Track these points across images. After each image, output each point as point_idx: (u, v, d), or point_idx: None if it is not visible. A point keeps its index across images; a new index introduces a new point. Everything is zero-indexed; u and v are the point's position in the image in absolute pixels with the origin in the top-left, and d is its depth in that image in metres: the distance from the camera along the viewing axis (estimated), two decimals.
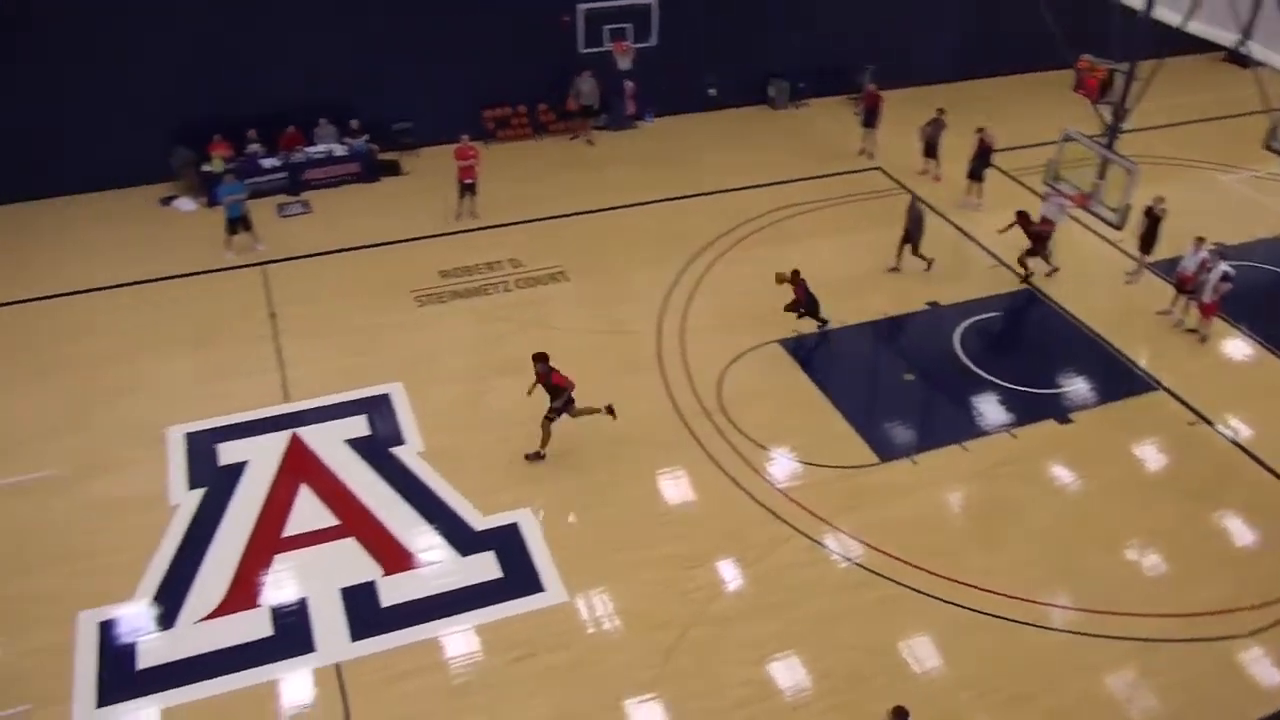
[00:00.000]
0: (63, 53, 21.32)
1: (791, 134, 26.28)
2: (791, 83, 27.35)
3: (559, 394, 15.12)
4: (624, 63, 24.79)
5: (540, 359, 15.02)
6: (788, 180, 23.71)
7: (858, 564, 13.90)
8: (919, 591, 13.50)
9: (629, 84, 25.77)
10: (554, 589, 13.49)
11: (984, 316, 19.12)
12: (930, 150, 23.53)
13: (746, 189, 23.33)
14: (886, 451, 15.88)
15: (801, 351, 18.01)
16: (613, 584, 13.56)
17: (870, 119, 24.63)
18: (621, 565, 13.84)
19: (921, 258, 20.07)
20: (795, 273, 17.78)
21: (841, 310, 18.80)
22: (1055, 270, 20.13)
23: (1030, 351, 18.81)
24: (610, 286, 19.85)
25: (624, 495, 15.00)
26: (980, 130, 22.16)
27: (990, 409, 16.88)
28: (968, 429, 16.42)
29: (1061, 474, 15.61)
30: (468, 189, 21.74)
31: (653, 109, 26.64)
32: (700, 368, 17.48)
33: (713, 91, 26.86)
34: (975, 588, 13.54)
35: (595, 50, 24.36)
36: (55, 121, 21.70)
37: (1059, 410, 16.87)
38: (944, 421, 16.69)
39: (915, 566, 13.81)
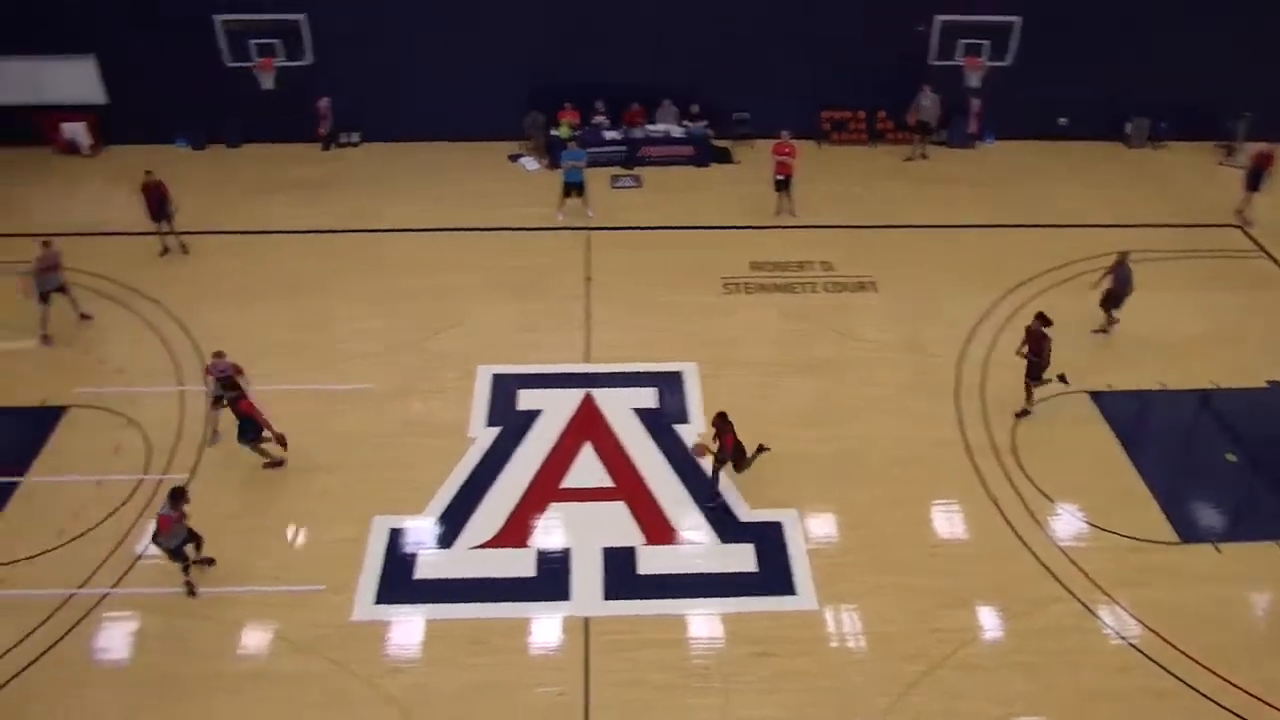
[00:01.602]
0: (442, 14, 23.45)
1: (1144, 176, 24.48)
2: (1152, 121, 25.43)
3: (248, 424, 14.84)
4: (973, 79, 24.05)
5: (230, 387, 14.91)
6: (1131, 225, 22.08)
7: (1132, 644, 12.89)
8: (1193, 689, 12.31)
9: (975, 101, 24.93)
10: (806, 594, 13.45)
11: None
12: None
13: (1083, 227, 21.96)
14: (1189, 532, 14.57)
15: (1112, 408, 16.80)
16: (866, 603, 13.36)
17: (1254, 181, 21.81)
18: (879, 587, 13.58)
19: (1110, 317, 18.24)
20: (721, 415, 14.35)
21: (1168, 373, 17.40)
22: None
23: None
24: (919, 305, 19.36)
25: (895, 518, 14.69)
26: None
27: None
28: None
29: None
30: (783, 185, 21.87)
31: (994, 130, 25.63)
32: (998, 405, 16.73)
33: (1063, 121, 25.45)
34: (1260, 700, 12.22)
35: (946, 63, 23.78)
36: (427, 74, 23.88)
37: None
38: (1264, 513, 15.07)
39: (1196, 662, 12.62)
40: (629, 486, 15.09)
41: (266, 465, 15.29)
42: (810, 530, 14.41)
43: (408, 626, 12.97)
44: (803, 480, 15.24)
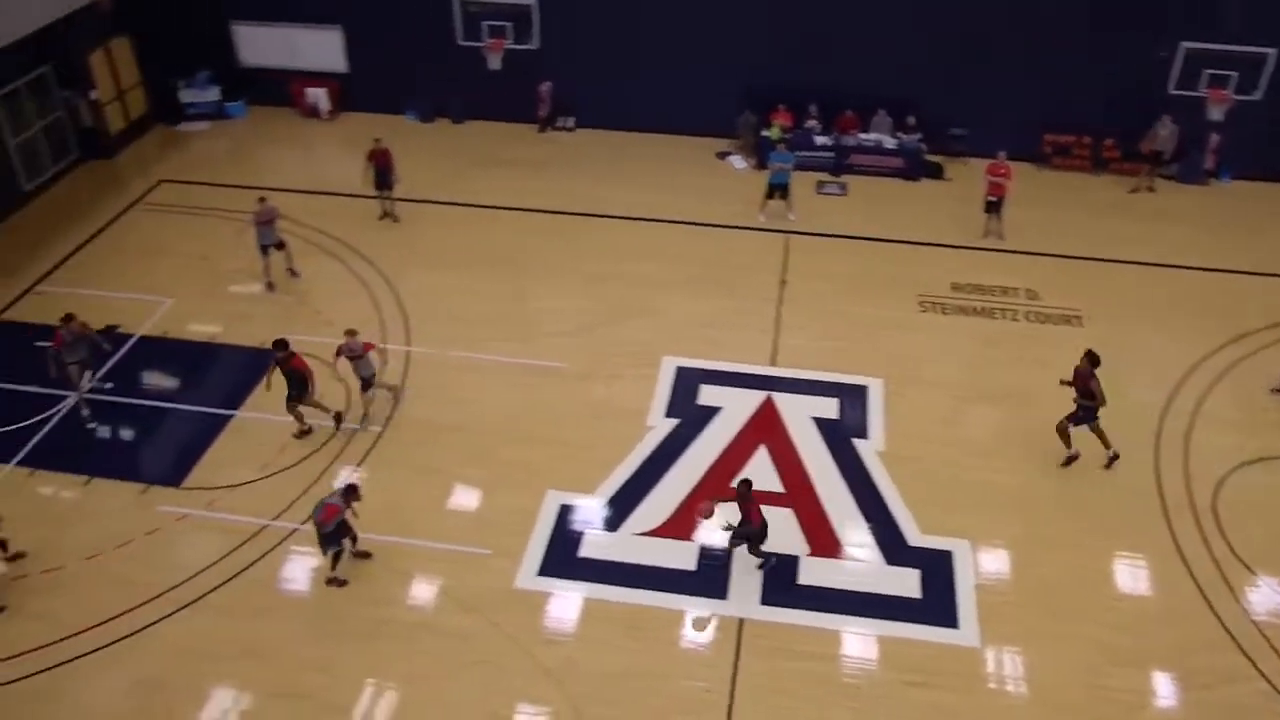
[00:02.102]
0: (666, 9, 23.82)
1: None
2: None
3: (296, 381, 15.38)
4: (1216, 112, 22.56)
5: (280, 346, 15.21)
6: None
7: None
8: None
9: (1215, 136, 23.37)
10: (968, 630, 13.06)
11: None
12: None
13: None
14: None
15: None
16: (1030, 648, 12.85)
17: None
18: (1047, 633, 13.04)
19: None
20: (746, 484, 13.47)
21: None
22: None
23: None
24: (1127, 346, 18.23)
25: (1072, 561, 14.05)
26: None
27: None
28: None
29: None
30: (994, 207, 21.13)
31: (1232, 169, 23.95)
32: (1202, 459, 15.72)
33: None
34: None
35: (1186, 93, 22.42)
36: (645, 66, 24.27)
37: None
38: None
39: None
40: (800, 495, 15.00)
41: (298, 434, 15.79)
42: (981, 564, 13.96)
43: (566, 601, 13.34)
44: (979, 511, 14.77)
